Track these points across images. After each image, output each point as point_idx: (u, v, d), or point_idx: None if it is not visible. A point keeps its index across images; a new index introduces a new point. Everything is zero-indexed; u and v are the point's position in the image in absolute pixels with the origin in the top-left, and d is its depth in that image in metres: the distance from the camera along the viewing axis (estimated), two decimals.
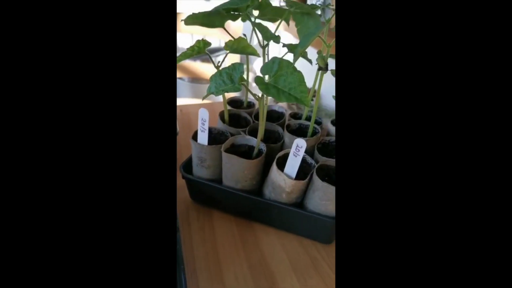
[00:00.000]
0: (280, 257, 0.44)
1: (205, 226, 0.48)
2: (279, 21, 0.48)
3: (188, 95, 1.57)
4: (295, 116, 0.58)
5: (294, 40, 0.48)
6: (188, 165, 0.51)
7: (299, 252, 0.45)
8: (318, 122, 0.54)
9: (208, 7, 0.44)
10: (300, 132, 0.52)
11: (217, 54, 1.80)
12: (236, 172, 0.45)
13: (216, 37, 2.12)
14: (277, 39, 0.43)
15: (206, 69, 1.49)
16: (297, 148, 0.40)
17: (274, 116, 0.58)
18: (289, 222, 0.47)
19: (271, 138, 0.52)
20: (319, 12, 0.48)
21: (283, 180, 0.42)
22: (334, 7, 0.57)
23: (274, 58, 0.38)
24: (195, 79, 1.60)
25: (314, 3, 0.87)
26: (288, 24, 0.50)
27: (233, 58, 1.60)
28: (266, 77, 0.39)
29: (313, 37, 0.38)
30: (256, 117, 0.55)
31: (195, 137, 0.48)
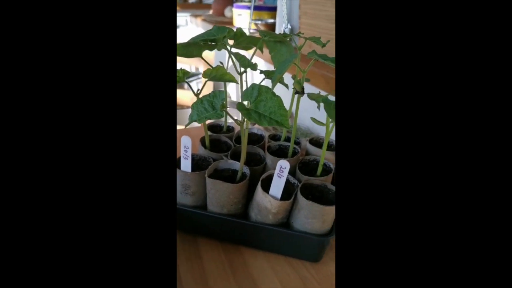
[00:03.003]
0: (270, 280, 0.44)
1: (192, 256, 0.47)
2: (253, 49, 0.50)
3: None
4: (274, 137, 0.59)
5: (267, 65, 0.51)
6: None
7: (289, 273, 0.45)
8: (296, 142, 0.56)
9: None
10: (280, 153, 0.54)
11: (190, 80, 1.82)
12: (221, 197, 0.45)
13: (186, 64, 2.14)
14: (254, 67, 0.45)
15: (180, 96, 1.49)
16: (281, 169, 0.41)
17: (253, 139, 0.60)
18: (277, 243, 0.47)
19: (253, 161, 0.53)
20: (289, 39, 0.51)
21: (269, 202, 0.43)
22: (304, 35, 0.61)
23: (254, 85, 0.40)
24: None
25: (282, 30, 0.92)
26: (262, 51, 0.52)
27: (207, 84, 1.62)
28: (247, 102, 0.40)
29: (289, 64, 0.40)
30: (237, 140, 0.56)
31: (178, 164, 0.47)
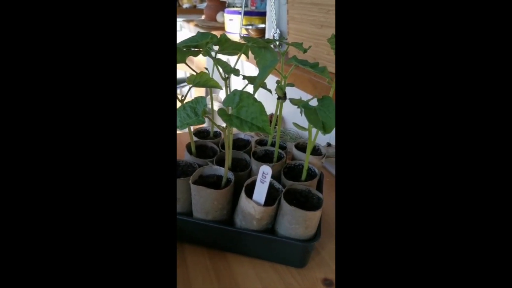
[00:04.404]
0: (255, 287, 0.44)
1: (177, 263, 0.47)
2: (239, 54, 0.50)
3: None
4: (261, 142, 0.59)
5: (256, 70, 0.51)
6: None
7: (274, 280, 0.45)
8: (283, 147, 0.56)
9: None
10: (266, 158, 0.54)
11: (182, 85, 1.81)
12: (205, 203, 0.45)
13: (181, 69, 2.15)
14: (236, 72, 0.45)
15: None
16: (263, 175, 0.41)
17: (240, 144, 0.60)
18: (262, 249, 0.47)
19: (239, 166, 0.53)
20: (274, 45, 0.51)
21: (252, 208, 0.43)
22: (291, 39, 0.61)
23: (235, 91, 0.40)
24: None
25: (271, 35, 0.92)
26: (247, 56, 0.53)
27: (199, 89, 1.61)
28: (229, 108, 0.40)
29: (270, 70, 0.40)
30: (223, 146, 0.56)
31: None
